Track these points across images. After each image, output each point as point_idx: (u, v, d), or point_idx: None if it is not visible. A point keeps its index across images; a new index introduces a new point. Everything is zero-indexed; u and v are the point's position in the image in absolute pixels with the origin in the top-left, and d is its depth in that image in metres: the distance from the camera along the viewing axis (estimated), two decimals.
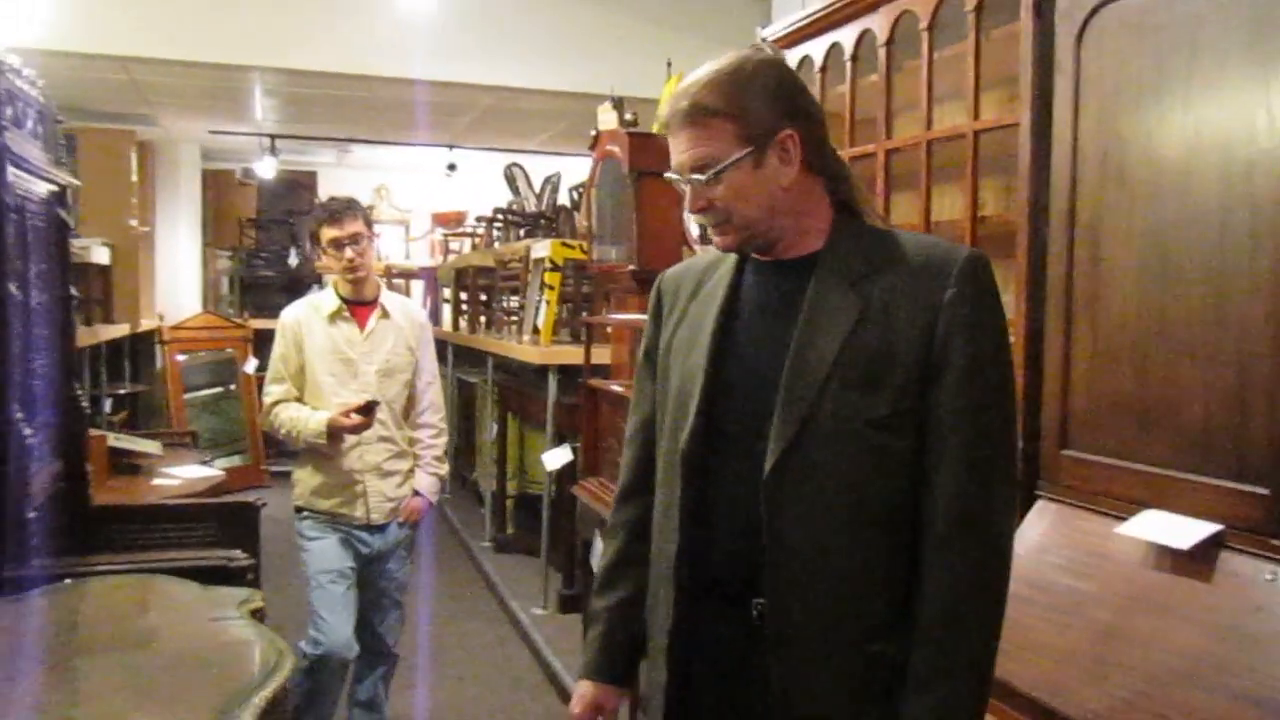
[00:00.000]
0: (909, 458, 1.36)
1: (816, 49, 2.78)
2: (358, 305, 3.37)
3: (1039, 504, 1.94)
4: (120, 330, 6.42)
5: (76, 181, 3.45)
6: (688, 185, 1.43)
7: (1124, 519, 1.74)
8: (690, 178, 1.41)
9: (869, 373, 1.35)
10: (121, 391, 7.33)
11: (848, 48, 2.63)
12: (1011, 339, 1.81)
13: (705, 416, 1.44)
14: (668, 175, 1.46)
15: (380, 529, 3.34)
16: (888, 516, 1.36)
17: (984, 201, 2.30)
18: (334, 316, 3.34)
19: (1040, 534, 1.89)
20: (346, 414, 3.19)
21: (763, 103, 1.38)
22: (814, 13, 2.75)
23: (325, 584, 3.24)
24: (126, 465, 4.39)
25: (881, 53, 2.50)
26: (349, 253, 3.29)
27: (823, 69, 2.77)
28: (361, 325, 3.36)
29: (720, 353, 1.46)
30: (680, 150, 1.42)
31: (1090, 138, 1.88)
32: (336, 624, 3.20)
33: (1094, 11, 1.86)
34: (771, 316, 1.45)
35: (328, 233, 3.29)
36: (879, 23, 2.50)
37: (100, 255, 5.88)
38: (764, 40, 2.97)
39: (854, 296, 1.38)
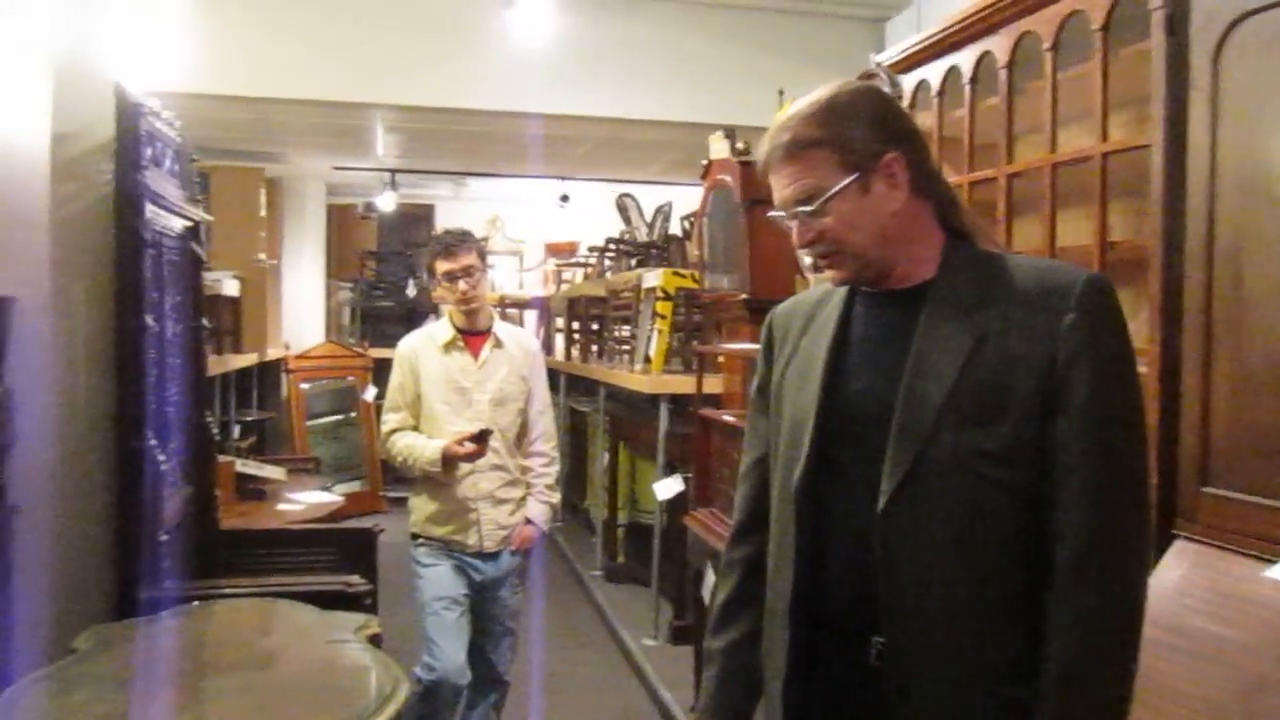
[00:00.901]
0: (1030, 493, 1.29)
1: (933, 73, 2.73)
2: (472, 335, 3.43)
3: (1177, 544, 1.84)
4: (248, 359, 6.68)
5: (209, 217, 3.61)
6: (794, 221, 1.40)
7: (1271, 561, 1.63)
8: (796, 211, 1.38)
9: (985, 404, 1.30)
10: (249, 418, 7.62)
11: (966, 71, 2.57)
12: (1143, 369, 1.73)
13: (819, 452, 1.41)
14: (772, 214, 1.43)
15: (493, 556, 3.37)
16: (1009, 554, 1.30)
17: (1113, 226, 2.20)
18: (448, 346, 3.40)
19: (1179, 576, 1.78)
20: (460, 442, 3.24)
21: (862, 129, 1.35)
22: (930, 36, 2.69)
23: (439, 610, 3.28)
24: (252, 490, 4.55)
25: (1002, 75, 2.43)
26: (462, 285, 3.35)
27: (940, 93, 2.71)
28: (475, 355, 3.41)
29: (833, 387, 1.42)
30: (783, 186, 1.39)
31: (1229, 158, 1.78)
32: (450, 650, 3.24)
33: (1232, 25, 1.77)
34: (884, 349, 1.40)
35: (442, 265, 3.36)
36: (999, 44, 2.43)
37: (230, 287, 6.14)
38: (878, 65, 2.92)
39: (968, 326, 1.33)
